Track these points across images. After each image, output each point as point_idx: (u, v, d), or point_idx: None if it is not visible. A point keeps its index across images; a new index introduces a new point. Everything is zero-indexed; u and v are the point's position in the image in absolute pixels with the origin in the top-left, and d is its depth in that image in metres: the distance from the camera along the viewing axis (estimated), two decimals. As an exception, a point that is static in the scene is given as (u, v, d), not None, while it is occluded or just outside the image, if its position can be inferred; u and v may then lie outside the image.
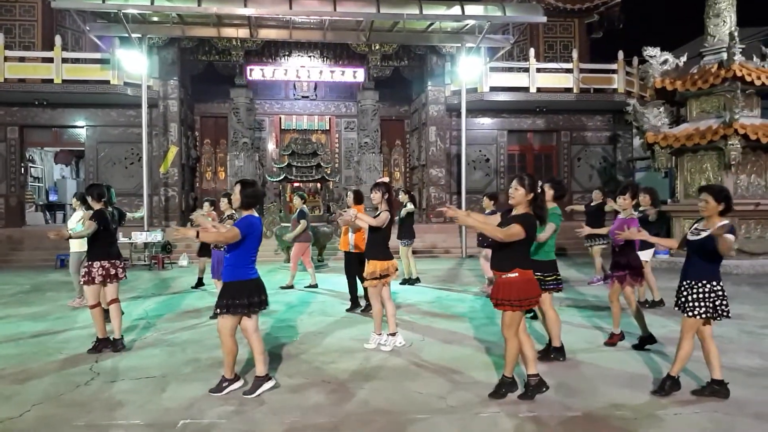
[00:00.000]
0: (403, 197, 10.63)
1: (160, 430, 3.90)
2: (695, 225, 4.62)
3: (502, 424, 3.98)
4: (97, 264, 5.87)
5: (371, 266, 5.92)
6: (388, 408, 4.28)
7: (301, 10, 14.63)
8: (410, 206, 10.53)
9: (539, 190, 4.40)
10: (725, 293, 4.43)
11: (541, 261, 5.37)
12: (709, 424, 3.98)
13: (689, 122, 13.78)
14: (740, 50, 12.65)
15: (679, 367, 4.53)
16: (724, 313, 4.41)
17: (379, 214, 6.01)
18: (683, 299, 4.49)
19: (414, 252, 11.13)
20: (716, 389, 4.46)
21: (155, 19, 15.84)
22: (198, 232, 4.57)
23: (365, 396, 4.55)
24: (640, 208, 8.52)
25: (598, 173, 19.74)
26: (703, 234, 4.39)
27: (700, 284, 4.40)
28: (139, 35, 15.63)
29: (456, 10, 14.91)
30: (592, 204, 10.93)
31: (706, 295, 4.37)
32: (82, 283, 6.03)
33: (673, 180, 14.69)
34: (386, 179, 6.80)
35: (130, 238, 13.83)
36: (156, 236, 14.14)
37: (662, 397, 4.44)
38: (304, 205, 10.49)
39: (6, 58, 15.89)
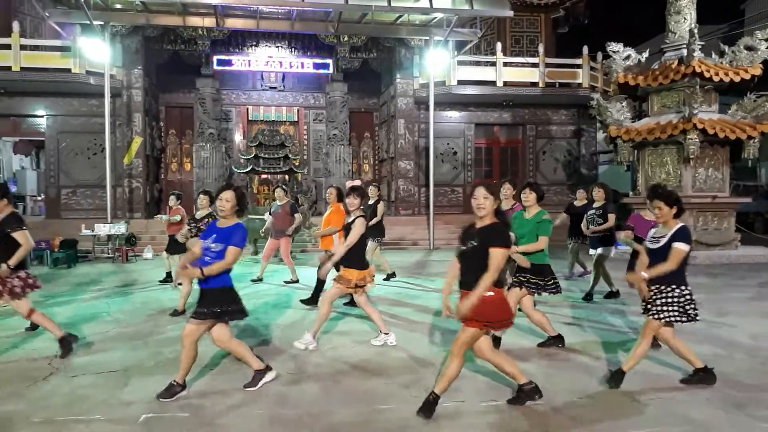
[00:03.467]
0: (372, 192, 10.21)
1: (122, 425, 3.87)
2: (652, 232, 4.66)
3: (467, 415, 4.06)
4: (23, 273, 5.50)
5: (348, 274, 5.73)
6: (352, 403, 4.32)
7: (268, -1, 14.47)
8: (382, 205, 10.09)
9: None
10: (693, 296, 4.55)
11: (541, 265, 5.49)
12: (663, 409, 4.12)
13: (650, 117, 14.11)
14: (700, 47, 13.00)
15: (633, 364, 4.60)
16: (695, 316, 4.49)
17: (354, 221, 5.83)
18: (650, 302, 4.54)
19: (383, 244, 10.86)
20: (702, 376, 4.63)
21: (118, 6, 15.49)
22: (202, 271, 4.24)
23: (331, 387, 4.58)
24: (595, 204, 8.66)
25: (563, 167, 20.08)
26: (663, 241, 4.45)
27: (669, 288, 4.48)
28: (101, 23, 15.28)
29: (424, 2, 14.95)
30: (576, 204, 10.44)
31: (675, 299, 4.46)
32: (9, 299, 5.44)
33: (635, 173, 15.05)
34: (359, 182, 6.75)
35: (92, 230, 13.56)
36: (120, 228, 13.87)
37: (614, 389, 4.52)
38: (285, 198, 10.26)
39: (-40, 45, 15.36)
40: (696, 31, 13.09)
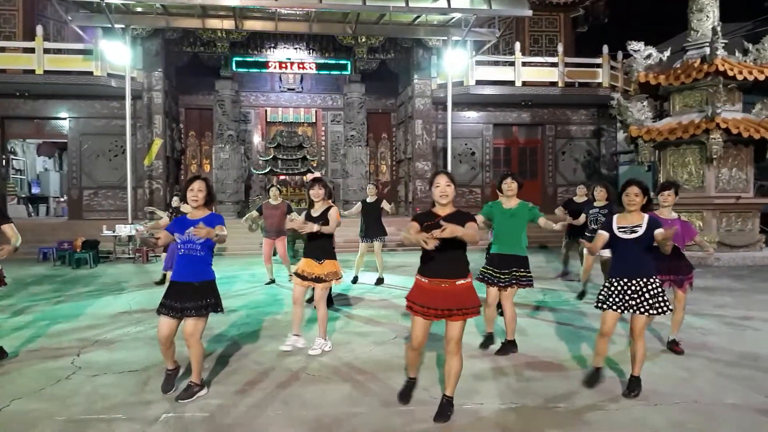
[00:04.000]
0: (371, 190, 9.96)
1: (142, 424, 3.89)
2: (621, 224, 4.45)
3: (485, 416, 4.02)
4: None
5: (331, 266, 5.62)
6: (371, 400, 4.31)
7: (286, 1, 14.54)
8: (386, 204, 9.79)
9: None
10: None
11: (525, 257, 5.47)
12: (689, 415, 4.05)
13: (672, 116, 13.91)
14: (723, 45, 12.79)
15: (641, 365, 4.47)
16: (670, 308, 4.39)
17: (328, 211, 5.64)
18: (636, 299, 4.33)
19: (399, 245, 10.82)
20: (639, 384, 4.42)
21: (139, 9, 15.67)
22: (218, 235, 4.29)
23: (350, 388, 4.57)
24: (597, 203, 8.53)
25: (582, 167, 19.89)
26: (641, 231, 4.34)
27: (652, 280, 4.35)
28: (123, 26, 15.48)
29: (442, 3, 14.90)
30: (576, 200, 10.50)
31: (658, 290, 4.34)
32: None
33: (656, 174, 14.84)
34: (318, 174, 6.59)
35: (113, 231, 13.72)
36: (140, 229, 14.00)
37: (633, 399, 4.34)
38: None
39: (-14, 49, 15.66)
40: (719, 29, 12.88)
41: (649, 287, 4.31)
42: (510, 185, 5.47)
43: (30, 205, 20.44)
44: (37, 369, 5.11)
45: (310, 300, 7.94)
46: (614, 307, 4.38)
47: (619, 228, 4.42)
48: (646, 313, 4.29)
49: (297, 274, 5.62)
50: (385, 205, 9.70)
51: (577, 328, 6.61)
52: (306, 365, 5.17)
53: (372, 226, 9.63)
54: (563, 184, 19.57)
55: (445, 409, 3.94)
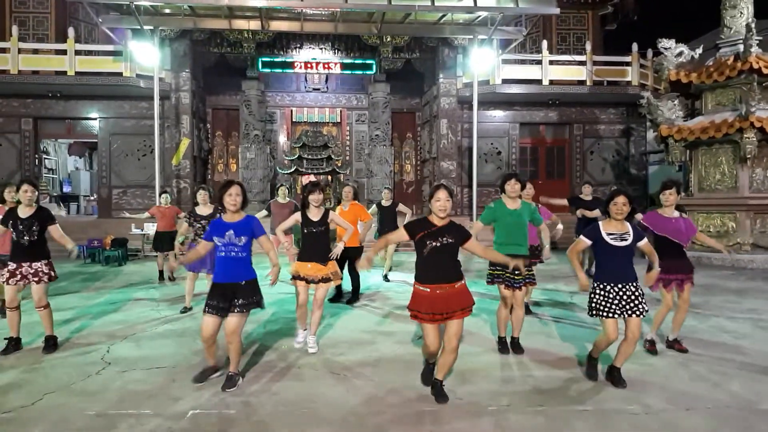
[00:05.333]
0: (386, 195, 10.08)
1: (170, 420, 3.92)
2: (609, 231, 4.56)
3: (512, 419, 3.97)
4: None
5: (332, 266, 5.77)
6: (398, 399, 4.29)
7: (312, 1, 14.59)
8: (402, 206, 9.97)
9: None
10: None
11: (523, 256, 5.40)
12: (721, 421, 3.94)
13: (704, 115, 13.61)
14: (757, 42, 12.48)
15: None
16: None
17: (325, 216, 5.82)
18: (629, 303, 4.48)
19: (407, 245, 10.83)
20: (618, 376, 4.62)
21: (167, 11, 15.86)
22: (278, 266, 4.70)
23: (374, 388, 4.55)
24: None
25: (611, 167, 19.59)
26: (629, 239, 4.52)
27: (636, 284, 4.54)
28: (151, 27, 15.68)
29: (468, 1, 14.78)
30: (582, 198, 10.53)
31: (642, 293, 4.54)
32: (47, 279, 5.60)
33: (687, 174, 14.53)
34: (314, 179, 6.69)
35: (142, 230, 13.91)
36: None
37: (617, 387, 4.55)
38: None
39: (20, 50, 16.01)
40: (753, 25, 12.58)
41: (637, 292, 4.52)
42: (513, 186, 5.52)
43: (62, 204, 20.85)
44: (68, 364, 5.20)
45: (334, 299, 7.98)
46: (616, 315, 4.49)
47: (608, 234, 4.55)
48: (642, 315, 4.47)
49: (300, 278, 5.67)
50: (401, 207, 9.92)
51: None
52: (336, 364, 5.17)
53: (388, 228, 9.71)
54: (592, 184, 19.18)
55: (442, 392, 4.28)
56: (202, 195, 7.59)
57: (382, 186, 15.93)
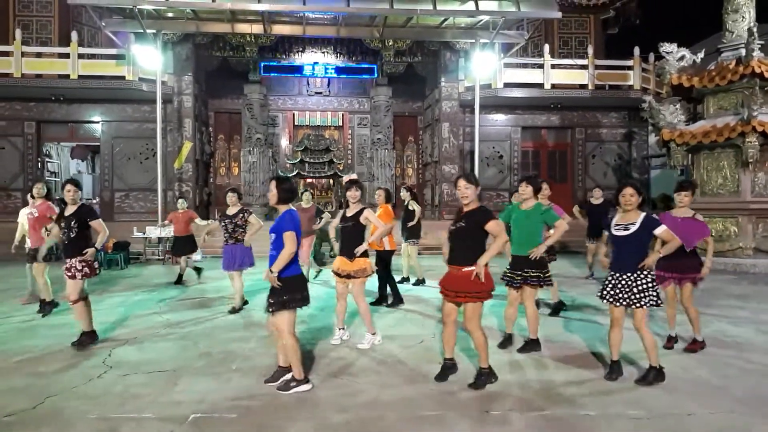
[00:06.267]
0: (404, 195, 10.16)
1: (172, 424, 3.92)
2: (617, 221, 4.78)
3: (514, 422, 3.96)
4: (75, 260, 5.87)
5: (361, 263, 5.84)
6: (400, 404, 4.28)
7: (314, 5, 14.64)
8: (414, 205, 9.97)
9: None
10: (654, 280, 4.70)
11: (540, 257, 5.53)
12: (723, 425, 3.93)
13: (706, 119, 13.60)
14: (759, 46, 12.45)
15: (655, 355, 4.69)
16: (660, 301, 4.65)
17: (361, 212, 5.94)
18: (628, 293, 4.62)
19: (425, 249, 10.89)
20: (656, 374, 4.67)
21: (170, 14, 15.92)
22: (271, 271, 4.44)
23: (377, 390, 4.55)
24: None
25: (613, 171, 19.58)
26: (633, 228, 4.63)
27: (641, 274, 4.61)
28: (154, 31, 15.73)
29: (470, 5, 14.83)
30: (593, 201, 10.75)
31: (649, 284, 4.60)
32: (80, 276, 5.84)
33: (689, 178, 14.52)
34: (355, 176, 6.84)
35: (144, 233, 13.93)
36: (170, 231, 14.18)
37: (647, 385, 4.61)
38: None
39: (23, 54, 16.07)
40: (755, 29, 12.57)
41: (638, 282, 4.59)
42: (524, 189, 5.65)
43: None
44: (70, 367, 5.20)
45: (377, 302, 7.95)
46: (611, 300, 4.72)
47: (615, 225, 4.78)
48: (638, 306, 4.58)
49: (334, 272, 5.93)
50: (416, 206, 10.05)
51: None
52: (338, 369, 5.16)
53: (405, 229, 10.04)
54: (594, 188, 19.23)
55: (479, 378, 4.57)
56: (230, 197, 7.87)
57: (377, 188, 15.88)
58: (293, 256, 4.47)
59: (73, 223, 5.85)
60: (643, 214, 4.67)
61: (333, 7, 14.90)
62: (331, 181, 16.66)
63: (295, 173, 16.22)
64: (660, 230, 4.64)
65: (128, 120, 17.75)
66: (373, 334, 5.90)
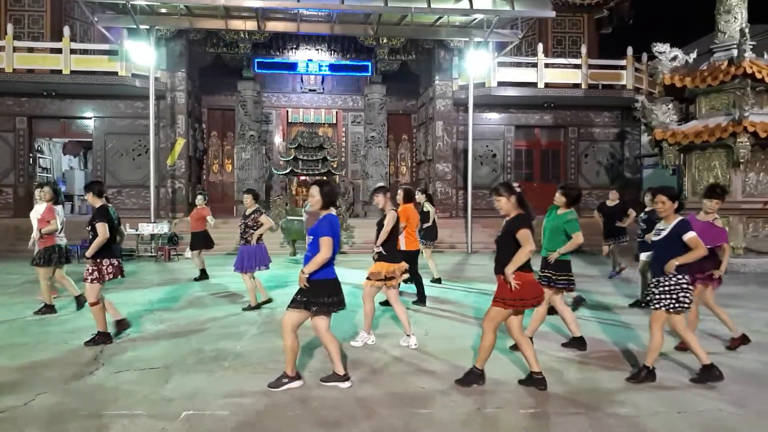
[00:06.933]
0: (420, 197, 10.07)
1: (164, 421, 3.92)
2: (658, 226, 4.88)
3: (503, 421, 3.98)
4: (107, 261, 5.89)
5: (377, 267, 5.89)
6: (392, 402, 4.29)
7: (308, 2, 14.61)
8: (429, 207, 10.06)
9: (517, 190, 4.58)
10: (688, 285, 4.65)
11: (565, 261, 5.65)
12: (712, 423, 3.97)
13: (698, 119, 13.68)
14: (751, 47, 12.53)
15: (652, 357, 4.72)
16: (686, 306, 4.62)
17: (384, 218, 6.03)
18: (653, 294, 4.74)
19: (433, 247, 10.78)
20: (709, 373, 4.71)
21: (163, 10, 15.84)
22: (302, 272, 4.44)
23: (371, 390, 4.56)
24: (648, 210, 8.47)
25: (606, 170, 19.66)
26: (663, 233, 4.72)
27: (666, 278, 4.63)
28: (147, 27, 15.65)
29: (464, 4, 14.84)
30: (608, 204, 10.86)
31: (672, 287, 4.60)
32: (90, 280, 5.83)
33: (681, 177, 14.60)
34: (383, 184, 6.86)
35: (136, 230, 13.89)
36: (163, 228, 14.18)
37: (636, 383, 4.65)
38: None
39: (15, 49, 15.94)
40: (747, 30, 12.64)
41: (662, 283, 4.64)
42: (558, 198, 5.79)
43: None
44: (62, 364, 5.19)
45: (415, 301, 8.04)
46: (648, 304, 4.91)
47: (655, 231, 4.93)
48: (655, 307, 4.66)
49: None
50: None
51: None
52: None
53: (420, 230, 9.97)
54: (586, 187, 19.30)
55: (470, 377, 4.60)
56: (246, 198, 7.95)
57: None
58: (327, 261, 4.44)
59: (88, 226, 5.94)
60: (677, 219, 4.70)
61: (327, 4, 14.87)
62: (325, 178, 16.63)
63: (288, 170, 16.17)
64: (688, 236, 4.59)
65: (121, 116, 17.67)
66: (368, 333, 5.97)
